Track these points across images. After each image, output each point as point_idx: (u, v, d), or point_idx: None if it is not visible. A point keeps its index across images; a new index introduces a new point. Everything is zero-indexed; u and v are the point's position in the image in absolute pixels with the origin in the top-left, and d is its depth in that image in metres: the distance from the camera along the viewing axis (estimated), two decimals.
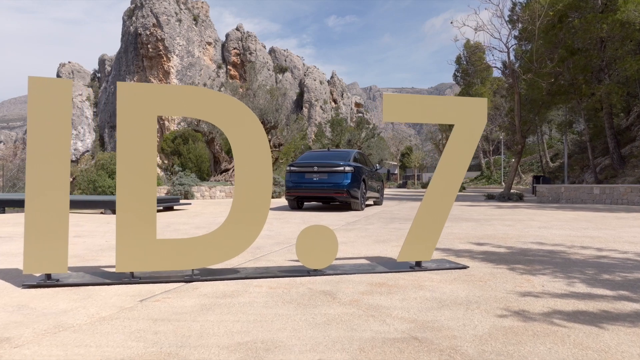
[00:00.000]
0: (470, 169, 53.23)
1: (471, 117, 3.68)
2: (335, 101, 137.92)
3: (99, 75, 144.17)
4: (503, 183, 45.51)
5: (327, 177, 10.63)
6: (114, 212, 9.78)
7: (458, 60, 52.53)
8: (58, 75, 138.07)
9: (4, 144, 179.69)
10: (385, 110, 3.53)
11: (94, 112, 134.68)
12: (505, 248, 4.83)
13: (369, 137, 26.61)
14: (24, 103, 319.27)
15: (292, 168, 10.97)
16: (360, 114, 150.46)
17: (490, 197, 17.25)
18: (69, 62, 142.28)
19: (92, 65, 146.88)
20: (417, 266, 3.65)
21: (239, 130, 3.25)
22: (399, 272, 3.51)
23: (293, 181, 10.91)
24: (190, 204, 11.92)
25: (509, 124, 38.62)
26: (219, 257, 3.23)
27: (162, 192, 17.83)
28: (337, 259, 4.05)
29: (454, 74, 53.44)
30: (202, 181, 19.66)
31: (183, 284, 3.09)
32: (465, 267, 3.67)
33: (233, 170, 20.05)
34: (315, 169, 10.66)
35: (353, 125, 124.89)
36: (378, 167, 13.67)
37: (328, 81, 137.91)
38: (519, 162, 17.32)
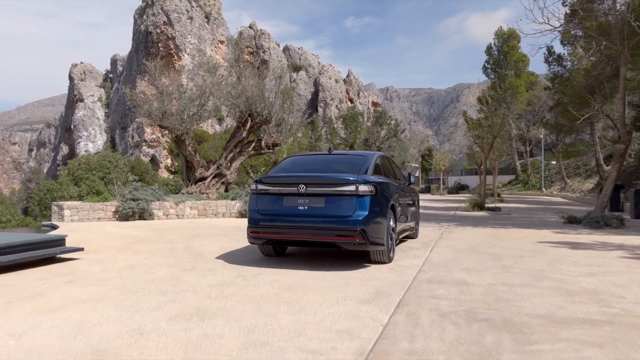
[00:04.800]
0: (502, 172, 47.49)
1: None
2: (351, 100, 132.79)
3: (111, 75, 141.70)
4: (544, 189, 39.74)
5: (323, 205, 5.61)
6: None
7: (488, 51, 46.92)
8: (70, 77, 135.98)
9: (19, 145, 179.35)
10: None
11: (105, 113, 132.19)
12: None
13: (390, 135, 21.53)
14: (46, 105, 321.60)
15: (261, 186, 5.98)
16: (377, 114, 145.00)
17: (571, 221, 11.97)
18: (81, 63, 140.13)
19: (104, 66, 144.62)
20: None
21: None
22: None
23: (263, 210, 5.92)
24: (82, 249, 6.78)
25: (554, 121, 33.02)
26: None
27: (108, 210, 13.01)
28: None
29: (484, 66, 47.88)
30: (173, 194, 14.79)
31: None
32: None
33: (213, 177, 15.15)
34: (303, 188, 5.64)
35: (370, 124, 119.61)
36: (412, 179, 8.58)
37: (344, 80, 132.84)
38: (619, 170, 11.95)
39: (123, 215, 12.86)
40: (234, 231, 10.16)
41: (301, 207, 5.67)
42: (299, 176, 5.83)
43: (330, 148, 7.52)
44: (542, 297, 4.25)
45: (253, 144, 15.50)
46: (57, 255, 6.17)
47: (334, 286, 4.74)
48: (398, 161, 26.87)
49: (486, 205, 18.51)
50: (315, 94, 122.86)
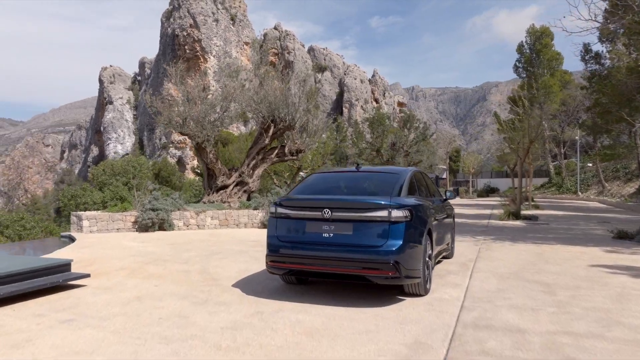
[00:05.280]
0: (535, 174, 45.85)
1: None
2: (376, 100, 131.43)
3: (139, 78, 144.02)
4: (580, 193, 37.98)
5: (351, 233, 4.93)
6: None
7: (520, 49, 45.29)
8: (100, 80, 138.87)
9: (52, 147, 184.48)
10: None
11: (134, 115, 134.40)
12: None
13: (419, 139, 20.64)
14: (78, 107, 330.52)
15: (281, 210, 5.33)
16: (403, 114, 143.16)
17: (621, 236, 10.92)
18: (111, 66, 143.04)
19: (133, 69, 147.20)
20: None
21: None
22: None
23: (283, 237, 5.28)
24: (88, 275, 6.27)
25: (591, 122, 31.46)
26: None
27: (128, 220, 12.62)
28: None
29: (515, 64, 46.29)
30: (193, 203, 14.34)
31: None
32: None
33: (235, 186, 14.65)
34: (328, 213, 4.98)
35: (396, 125, 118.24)
36: (449, 194, 7.82)
37: (369, 80, 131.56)
38: None
39: (142, 226, 12.46)
40: (255, 247, 9.57)
41: (326, 235, 5.01)
42: (323, 199, 5.16)
43: (358, 164, 6.82)
44: (619, 355, 3.48)
45: (276, 151, 14.93)
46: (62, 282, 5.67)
47: (364, 331, 4.07)
48: (426, 164, 25.82)
49: (522, 212, 17.47)
50: (340, 95, 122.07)
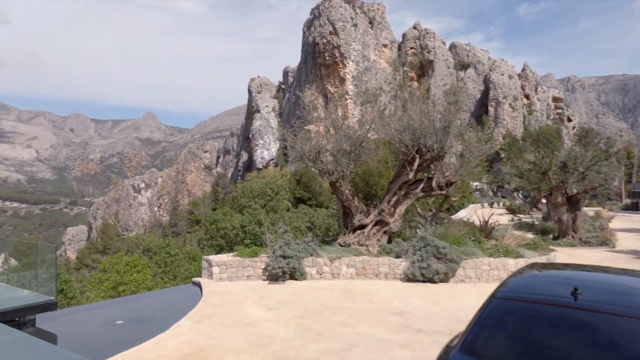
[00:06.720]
0: None
1: None
2: (527, 97, 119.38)
3: (283, 86, 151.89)
4: None
5: None
6: None
7: None
8: (249, 90, 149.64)
9: (209, 153, 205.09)
10: None
11: (278, 121, 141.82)
12: None
13: (600, 158, 16.44)
14: (232, 115, 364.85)
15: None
16: (560, 110, 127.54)
17: None
18: (258, 77, 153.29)
19: (277, 77, 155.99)
20: None
21: None
22: None
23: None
24: None
25: None
26: None
27: (258, 267, 11.53)
28: None
29: None
30: (324, 245, 12.81)
31: None
32: None
33: (373, 225, 12.76)
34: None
35: (551, 123, 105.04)
36: None
37: (519, 74, 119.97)
38: None
39: (272, 275, 11.26)
40: (400, 331, 7.49)
41: None
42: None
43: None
44: None
45: (421, 185, 12.66)
46: None
47: None
48: (604, 187, 21.02)
49: None
50: (485, 93, 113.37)
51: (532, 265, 4.84)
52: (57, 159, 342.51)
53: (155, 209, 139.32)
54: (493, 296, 3.82)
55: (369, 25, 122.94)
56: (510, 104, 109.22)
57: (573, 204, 18.40)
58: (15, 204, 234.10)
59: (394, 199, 12.72)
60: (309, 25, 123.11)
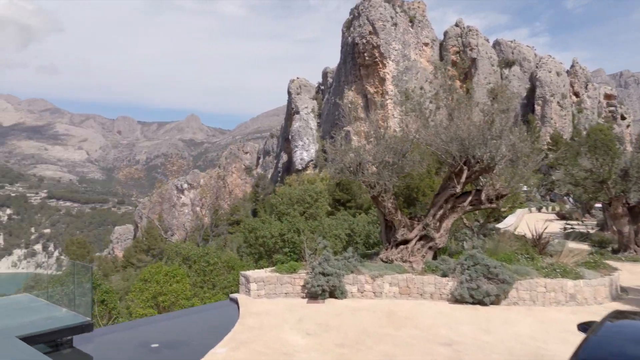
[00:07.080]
0: None
1: None
2: (576, 94, 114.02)
3: (322, 87, 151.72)
4: None
5: None
6: None
7: None
8: (288, 91, 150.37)
9: (249, 154, 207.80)
10: None
11: (317, 123, 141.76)
12: None
13: None
14: (272, 116, 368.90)
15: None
16: (613, 108, 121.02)
17: None
18: (297, 78, 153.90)
19: (316, 79, 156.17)
20: None
21: None
22: None
23: None
24: None
25: None
26: None
27: (297, 284, 11.11)
28: None
29: None
30: (365, 260, 12.23)
31: None
32: None
33: (417, 240, 12.10)
34: None
35: (603, 121, 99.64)
36: None
37: (567, 71, 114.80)
38: None
39: (312, 293, 10.80)
40: None
41: None
42: None
43: None
44: None
45: (470, 198, 11.87)
46: None
47: None
48: None
49: None
50: (532, 91, 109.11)
51: (615, 315, 4.17)
52: (106, 160, 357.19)
53: (198, 209, 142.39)
54: (575, 357, 3.24)
55: (410, 24, 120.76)
56: (558, 102, 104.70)
57: (635, 215, 17.01)
58: (68, 203, 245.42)
59: (440, 212, 11.99)
60: (348, 25, 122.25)
